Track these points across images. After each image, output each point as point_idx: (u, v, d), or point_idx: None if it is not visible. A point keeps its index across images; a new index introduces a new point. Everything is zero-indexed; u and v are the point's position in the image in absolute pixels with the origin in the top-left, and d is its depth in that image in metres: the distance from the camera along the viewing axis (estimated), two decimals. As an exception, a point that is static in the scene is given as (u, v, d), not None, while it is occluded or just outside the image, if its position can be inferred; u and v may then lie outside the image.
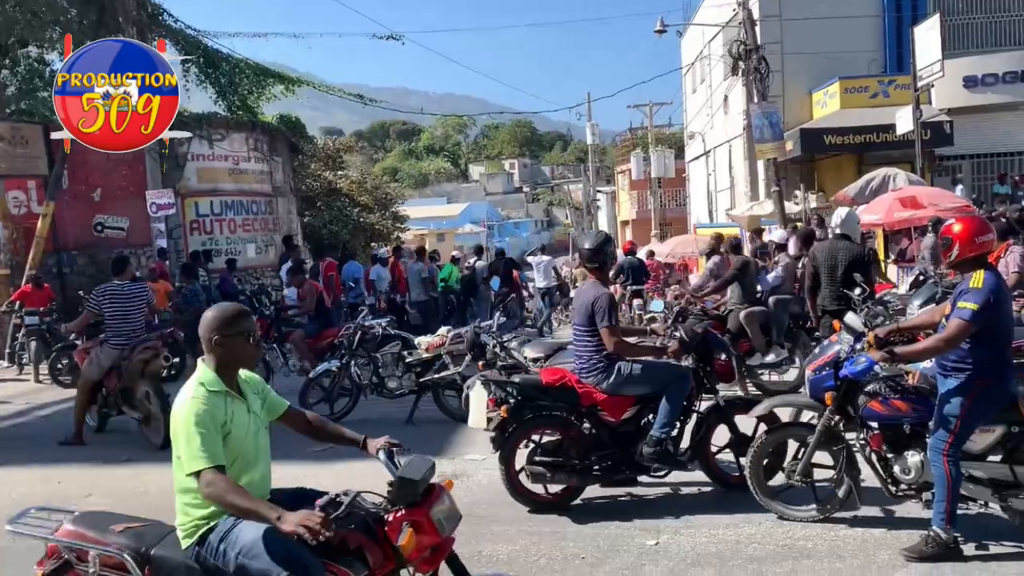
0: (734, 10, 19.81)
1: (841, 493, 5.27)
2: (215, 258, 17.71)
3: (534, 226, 74.93)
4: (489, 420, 5.87)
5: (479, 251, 19.18)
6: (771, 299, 9.59)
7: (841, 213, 8.34)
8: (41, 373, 12.93)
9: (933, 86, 17.45)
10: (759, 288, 9.80)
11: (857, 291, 6.81)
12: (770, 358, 9.48)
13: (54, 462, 7.81)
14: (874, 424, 5.11)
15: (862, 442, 5.20)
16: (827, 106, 20.96)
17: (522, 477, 5.87)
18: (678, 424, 5.86)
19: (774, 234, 13.06)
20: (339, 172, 30.26)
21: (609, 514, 5.73)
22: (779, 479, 5.52)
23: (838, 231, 8.03)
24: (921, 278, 10.23)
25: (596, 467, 5.81)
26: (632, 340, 6.04)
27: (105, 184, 17.58)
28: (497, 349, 8.11)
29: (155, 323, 12.59)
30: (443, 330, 9.28)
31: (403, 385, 9.02)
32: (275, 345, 11.36)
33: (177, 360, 12.92)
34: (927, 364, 5.19)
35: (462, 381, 8.49)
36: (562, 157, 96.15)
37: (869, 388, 5.10)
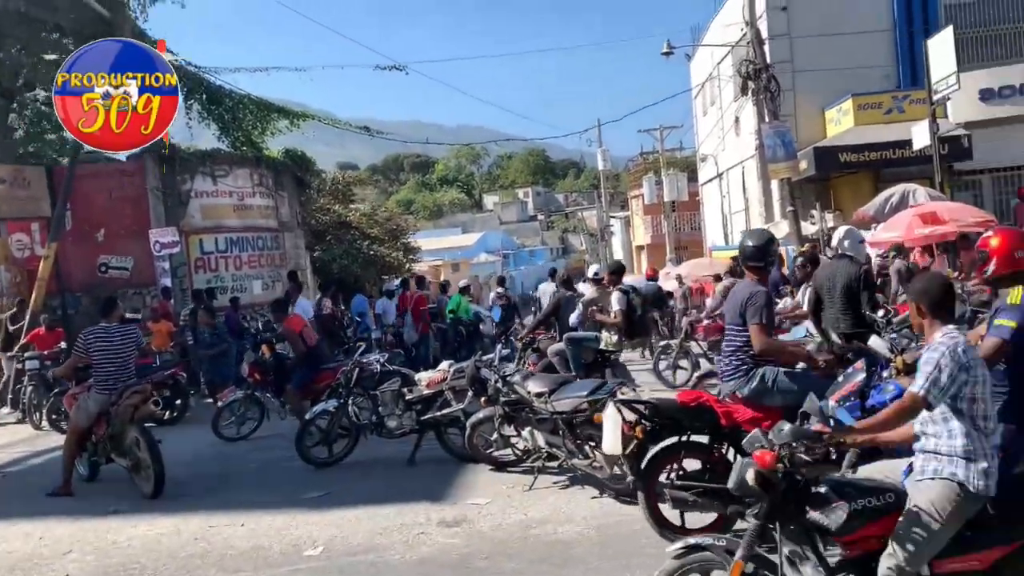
0: (742, 30, 19.49)
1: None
2: (220, 296, 17.36)
3: (549, 254, 74.65)
4: (626, 444, 5.51)
5: (501, 281, 19.01)
6: (565, 336, 9.96)
7: (840, 232, 7.99)
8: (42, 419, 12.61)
9: (949, 99, 16.99)
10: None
11: (880, 313, 6.38)
12: None
13: (40, 515, 7.47)
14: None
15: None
16: (841, 123, 20.53)
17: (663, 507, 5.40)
18: None
19: (589, 269, 13.05)
20: (350, 205, 30.06)
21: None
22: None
23: (839, 251, 7.68)
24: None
25: None
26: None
27: (108, 224, 17.40)
28: (499, 384, 7.64)
29: (155, 364, 12.36)
30: (444, 364, 8.85)
31: (404, 424, 8.54)
32: (268, 393, 10.61)
33: (179, 402, 12.64)
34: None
35: (465, 418, 8.09)
36: (576, 184, 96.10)
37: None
